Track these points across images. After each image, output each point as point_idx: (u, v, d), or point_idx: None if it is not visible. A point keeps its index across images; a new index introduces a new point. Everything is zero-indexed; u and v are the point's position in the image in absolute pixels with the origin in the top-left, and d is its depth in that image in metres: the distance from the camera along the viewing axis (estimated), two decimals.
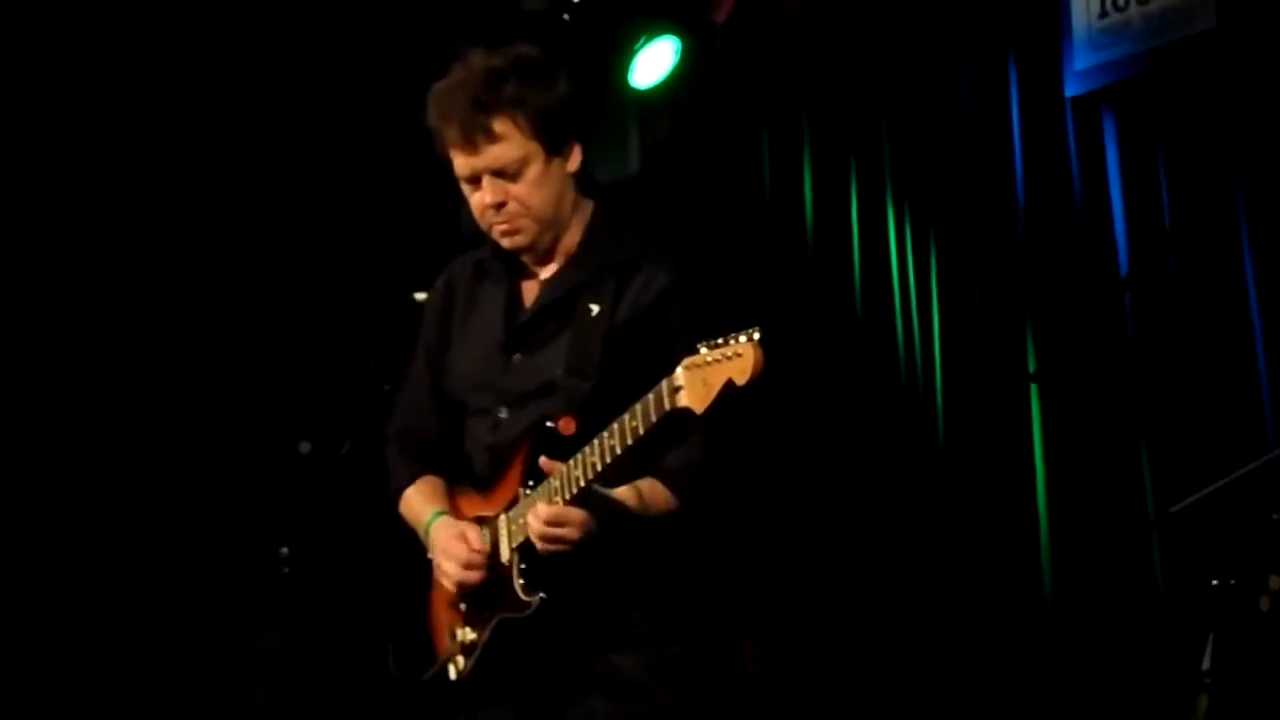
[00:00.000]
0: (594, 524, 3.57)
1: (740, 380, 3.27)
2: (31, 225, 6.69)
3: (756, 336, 3.28)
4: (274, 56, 6.93)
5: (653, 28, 6.78)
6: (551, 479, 3.61)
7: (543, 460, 3.61)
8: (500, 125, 3.74)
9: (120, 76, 6.74)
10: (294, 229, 7.07)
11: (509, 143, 3.75)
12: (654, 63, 6.85)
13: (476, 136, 3.74)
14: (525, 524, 3.63)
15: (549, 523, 3.54)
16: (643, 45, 6.79)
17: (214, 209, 6.97)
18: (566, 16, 6.64)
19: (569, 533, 3.56)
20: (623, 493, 3.61)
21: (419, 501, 3.98)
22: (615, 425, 3.46)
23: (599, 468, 3.51)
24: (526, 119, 3.75)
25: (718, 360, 3.29)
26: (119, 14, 6.69)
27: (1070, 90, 6.05)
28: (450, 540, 3.79)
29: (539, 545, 3.57)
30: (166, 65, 6.79)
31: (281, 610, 5.94)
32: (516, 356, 3.85)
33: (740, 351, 3.27)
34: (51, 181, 6.72)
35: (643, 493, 3.64)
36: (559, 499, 3.58)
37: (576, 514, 3.56)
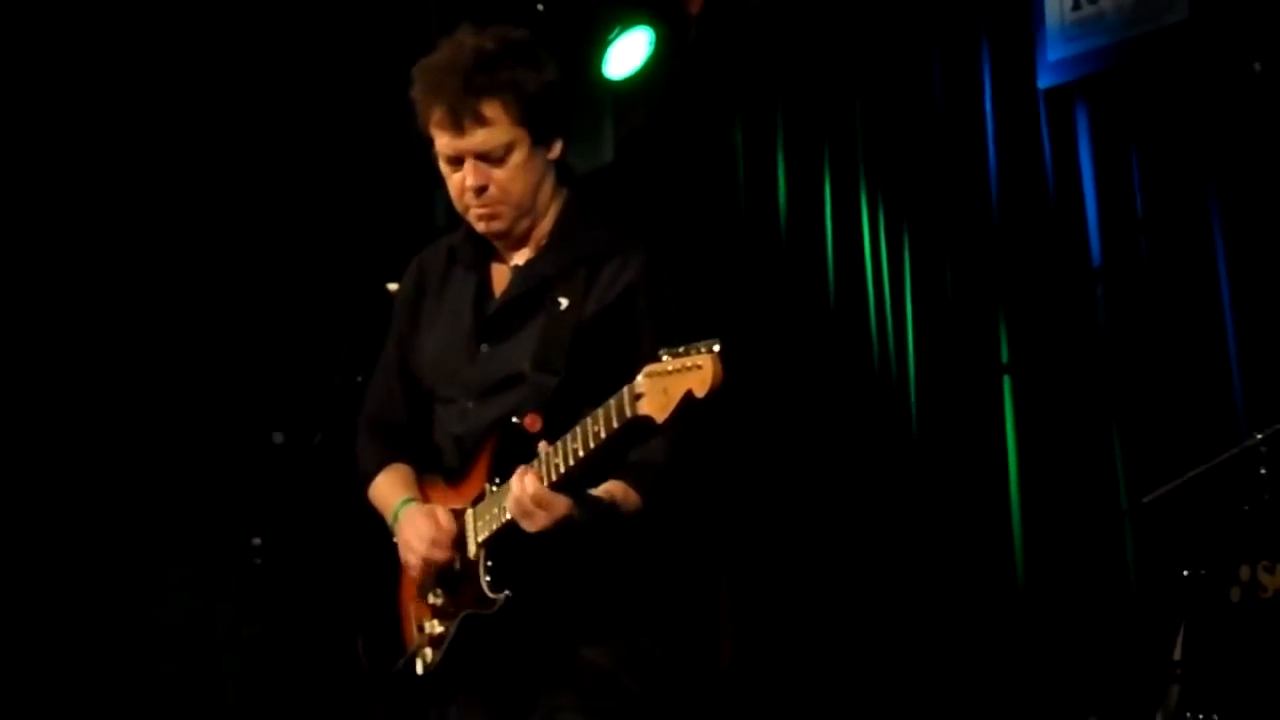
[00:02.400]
0: (575, 514, 3.55)
1: (699, 392, 3.26)
2: (7, 217, 6.67)
3: (717, 349, 3.27)
4: (248, 46, 6.91)
5: (627, 19, 6.79)
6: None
7: (520, 470, 3.58)
8: (490, 109, 3.70)
9: (93, 70, 6.71)
10: (268, 219, 7.05)
11: (497, 127, 3.72)
12: (628, 54, 6.85)
13: (465, 119, 3.70)
14: (491, 519, 3.63)
15: (534, 499, 3.51)
16: (617, 36, 6.79)
17: (188, 200, 6.95)
18: (541, 7, 6.63)
19: (540, 516, 3.50)
20: (604, 488, 3.60)
21: (388, 488, 3.95)
22: (578, 428, 3.46)
23: (563, 469, 3.50)
24: (517, 104, 3.71)
25: (678, 370, 3.28)
26: (88, 6, 6.67)
27: (1043, 82, 6.07)
28: (419, 518, 3.77)
29: (514, 511, 3.53)
30: (139, 58, 6.77)
31: (255, 600, 5.96)
32: (484, 347, 3.83)
33: (700, 363, 3.26)
34: (23, 174, 6.69)
35: (613, 494, 3.63)
36: None
37: (560, 503, 3.54)
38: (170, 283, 6.91)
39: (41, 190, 6.70)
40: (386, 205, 6.95)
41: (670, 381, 3.28)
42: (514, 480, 3.54)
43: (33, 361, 6.68)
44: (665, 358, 3.30)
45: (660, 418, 3.30)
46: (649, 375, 3.31)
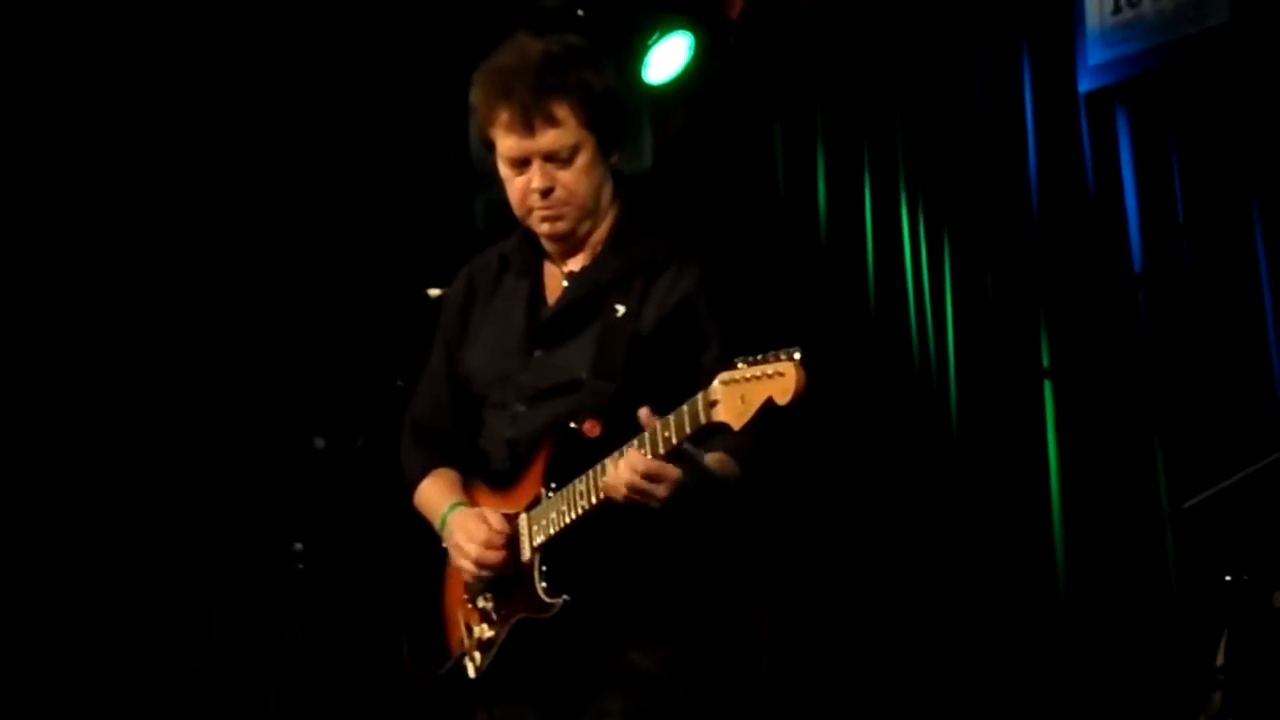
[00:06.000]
0: (688, 481, 3.50)
1: (782, 400, 3.26)
2: (48, 222, 6.70)
3: (798, 356, 3.28)
4: (290, 52, 6.93)
5: (666, 23, 6.78)
6: (577, 483, 3.60)
7: (643, 413, 3.51)
8: (561, 110, 3.73)
9: (137, 70, 6.75)
10: (308, 224, 7.07)
11: (566, 128, 3.74)
12: (668, 58, 6.85)
13: (536, 120, 3.72)
14: (549, 524, 3.63)
15: (646, 475, 3.46)
16: (656, 41, 6.79)
17: (228, 204, 6.98)
18: (581, 12, 6.64)
19: (660, 489, 3.47)
20: (710, 458, 3.58)
21: (435, 493, 3.95)
22: (646, 434, 3.46)
23: (673, 441, 3.45)
24: (585, 107, 3.74)
25: (757, 377, 3.28)
26: (132, 8, 6.71)
27: (1084, 85, 6.05)
28: (470, 520, 3.76)
29: (622, 494, 3.48)
30: (180, 60, 6.80)
31: (297, 605, 5.97)
32: (537, 352, 3.84)
33: (782, 371, 3.27)
34: (65, 179, 6.73)
35: (722, 461, 3.61)
36: (584, 503, 3.56)
37: (673, 471, 3.49)
38: (212, 289, 6.94)
39: (75, 199, 6.74)
40: (426, 210, 6.97)
41: (749, 389, 3.29)
42: (610, 466, 3.51)
43: (76, 369, 6.72)
44: (741, 365, 3.30)
45: (737, 424, 3.31)
46: (725, 382, 3.32)
